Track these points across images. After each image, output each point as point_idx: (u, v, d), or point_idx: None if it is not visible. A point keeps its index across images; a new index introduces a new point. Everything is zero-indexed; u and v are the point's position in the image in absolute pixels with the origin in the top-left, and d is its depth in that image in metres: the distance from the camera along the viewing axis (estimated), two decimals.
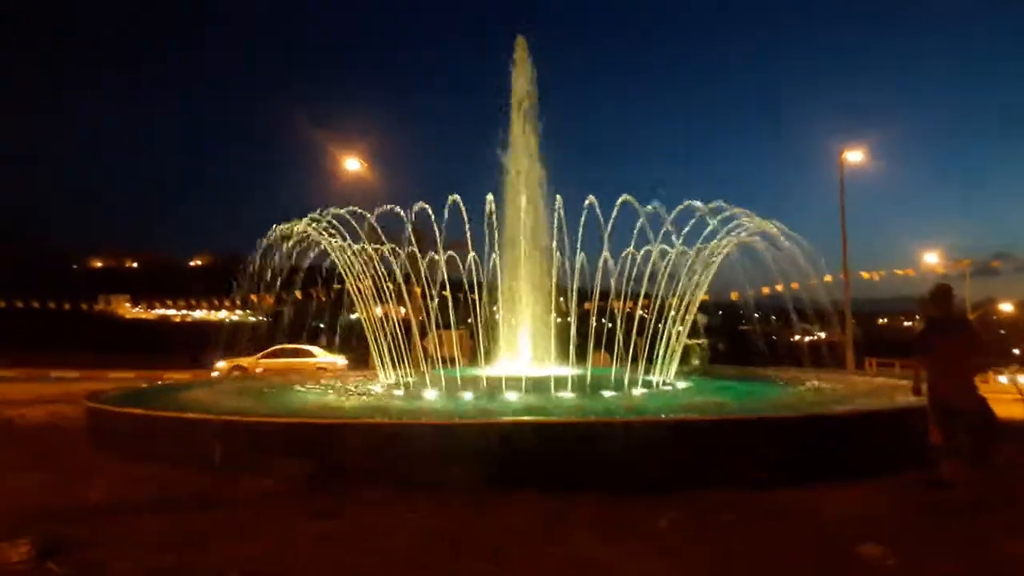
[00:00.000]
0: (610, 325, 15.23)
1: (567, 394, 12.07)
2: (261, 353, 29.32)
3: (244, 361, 28.54)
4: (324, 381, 17.29)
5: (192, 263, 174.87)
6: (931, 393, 7.42)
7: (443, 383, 13.02)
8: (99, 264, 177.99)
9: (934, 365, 7.44)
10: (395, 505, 6.76)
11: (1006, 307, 56.60)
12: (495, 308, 16.20)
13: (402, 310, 17.32)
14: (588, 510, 6.57)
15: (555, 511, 6.54)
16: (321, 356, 29.34)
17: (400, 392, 13.49)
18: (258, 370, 28.01)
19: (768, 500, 6.98)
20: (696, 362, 17.31)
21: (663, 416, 8.63)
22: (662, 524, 6.15)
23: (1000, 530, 6.00)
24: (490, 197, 14.59)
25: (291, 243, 15.26)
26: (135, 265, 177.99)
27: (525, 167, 16.62)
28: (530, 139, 16.91)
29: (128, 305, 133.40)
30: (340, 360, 29.39)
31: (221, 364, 28.37)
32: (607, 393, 12.48)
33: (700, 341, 17.49)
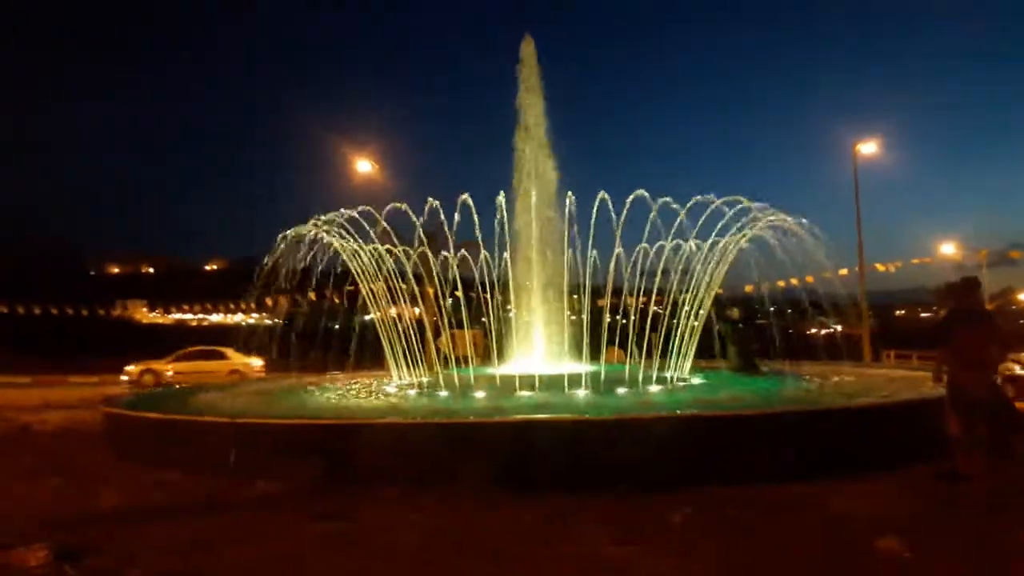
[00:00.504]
0: (624, 321, 15.17)
1: (580, 391, 12.03)
2: (173, 356, 28.88)
3: (155, 365, 28.15)
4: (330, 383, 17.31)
5: (208, 267, 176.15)
6: (951, 384, 7.36)
7: (456, 383, 13.01)
8: (116, 270, 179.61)
9: (955, 356, 7.38)
10: (405, 506, 6.76)
11: None
12: (508, 307, 16.19)
13: (416, 310, 17.33)
14: (600, 508, 6.55)
15: (567, 509, 6.51)
16: (235, 359, 28.85)
17: (413, 392, 13.48)
18: (168, 374, 27.65)
19: (782, 495, 6.92)
20: (734, 359, 16.46)
21: (677, 412, 8.56)
22: (675, 521, 6.12)
23: (1018, 522, 5.92)
24: (501, 196, 14.57)
25: (304, 245, 15.30)
26: (151, 270, 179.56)
27: (536, 164, 16.57)
28: (540, 136, 16.86)
29: (145, 310, 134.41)
30: (255, 362, 28.95)
31: (131, 368, 27.94)
32: (621, 390, 12.43)
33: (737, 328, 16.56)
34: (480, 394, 12.24)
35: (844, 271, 31.36)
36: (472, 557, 5.34)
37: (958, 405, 7.22)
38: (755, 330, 16.74)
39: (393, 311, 15.87)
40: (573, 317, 18.13)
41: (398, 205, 14.90)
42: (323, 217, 14.81)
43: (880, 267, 39.62)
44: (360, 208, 14.89)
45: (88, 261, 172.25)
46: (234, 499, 7.32)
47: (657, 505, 6.53)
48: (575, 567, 5.11)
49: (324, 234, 14.88)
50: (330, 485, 7.42)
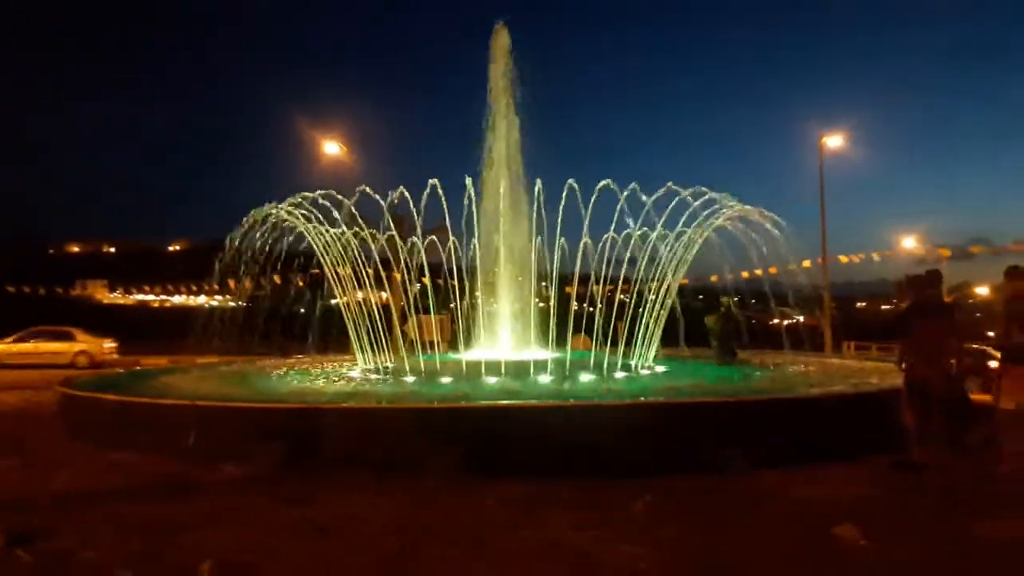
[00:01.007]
0: (591, 309, 15.23)
1: (546, 378, 12.06)
2: (14, 336, 27.59)
3: None
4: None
5: (171, 248, 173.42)
6: (907, 375, 7.48)
7: (422, 368, 12.97)
8: (76, 249, 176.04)
9: (913, 348, 7.50)
10: (370, 491, 6.73)
11: (982, 290, 57.21)
12: (476, 293, 16.15)
13: (383, 295, 17.21)
14: (565, 495, 6.57)
15: (532, 496, 6.53)
16: (83, 340, 28.01)
17: (378, 377, 13.42)
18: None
19: (744, 484, 7.01)
20: (717, 349, 16.41)
21: (641, 400, 8.62)
22: (638, 508, 6.15)
23: (972, 512, 6.06)
24: (469, 181, 14.51)
25: (268, 227, 15.10)
26: (112, 250, 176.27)
27: (505, 152, 16.51)
28: (510, 125, 16.78)
29: (105, 290, 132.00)
30: (107, 344, 28.52)
31: None
32: (586, 377, 12.49)
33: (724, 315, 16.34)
34: (446, 379, 12.22)
35: (807, 263, 31.81)
36: (437, 543, 5.34)
37: (914, 396, 7.35)
38: (735, 322, 16.60)
39: (359, 295, 15.74)
40: (541, 304, 18.16)
41: (365, 189, 14.74)
42: (289, 200, 14.61)
43: (843, 259, 40.22)
44: (325, 191, 14.71)
45: (46, 240, 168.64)
46: (195, 482, 7.22)
47: (620, 492, 6.57)
48: (536, 552, 5.13)
49: (288, 216, 14.68)
50: (295, 470, 7.36)
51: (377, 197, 14.87)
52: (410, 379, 12.73)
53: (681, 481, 6.95)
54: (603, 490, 6.71)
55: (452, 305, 16.00)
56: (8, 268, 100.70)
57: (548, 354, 13.55)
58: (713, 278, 19.52)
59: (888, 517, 5.99)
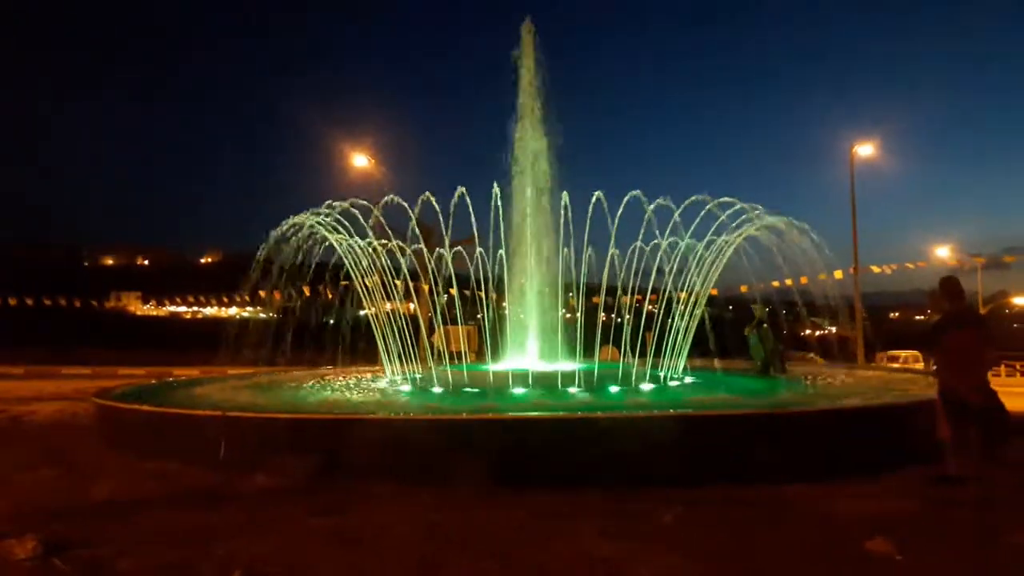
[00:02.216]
0: (619, 319, 15.18)
1: (574, 389, 12.04)
2: None
3: None
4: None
5: (203, 260, 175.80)
6: (941, 387, 7.37)
7: (450, 379, 13.01)
8: (110, 262, 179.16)
9: (946, 359, 7.39)
10: (401, 501, 6.75)
11: (1020, 300, 56.11)
12: (503, 303, 16.18)
13: (411, 305, 17.31)
14: (594, 506, 6.55)
15: (561, 507, 6.52)
16: None
17: (407, 388, 13.48)
18: None
19: (775, 495, 6.93)
20: (759, 362, 15.46)
21: (670, 411, 8.57)
22: (668, 519, 6.12)
23: (1009, 525, 5.94)
24: (496, 189, 14.56)
25: (298, 239, 15.26)
26: (146, 262, 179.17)
27: (532, 161, 16.55)
28: (537, 131, 16.82)
29: (139, 302, 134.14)
30: None
31: None
32: (614, 388, 12.45)
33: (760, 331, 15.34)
34: (474, 390, 12.24)
35: (839, 273, 31.39)
36: (467, 554, 5.34)
37: (948, 408, 7.24)
38: (777, 331, 15.76)
39: (388, 306, 15.85)
40: (568, 315, 18.12)
41: (393, 199, 14.87)
42: (317, 210, 14.76)
43: (875, 269, 39.68)
44: (353, 200, 14.84)
45: (82, 253, 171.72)
46: (229, 492, 7.29)
47: (650, 503, 6.54)
48: (567, 563, 5.12)
49: (319, 227, 14.83)
50: (326, 480, 7.41)
51: (406, 205, 15.00)
52: (438, 390, 12.77)
53: (711, 492, 6.90)
54: (632, 501, 6.67)
55: (479, 316, 16.04)
56: (45, 281, 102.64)
57: (576, 365, 13.52)
58: (743, 288, 19.34)
59: (923, 531, 5.89)
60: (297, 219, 14.74)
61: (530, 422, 7.88)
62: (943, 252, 44.61)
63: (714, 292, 17.08)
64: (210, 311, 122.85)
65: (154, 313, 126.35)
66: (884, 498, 6.93)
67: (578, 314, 15.99)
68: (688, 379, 14.47)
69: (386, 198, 15.24)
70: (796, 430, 8.03)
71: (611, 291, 16.25)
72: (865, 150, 32.03)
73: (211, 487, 7.48)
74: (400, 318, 15.31)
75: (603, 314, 15.02)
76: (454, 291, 17.06)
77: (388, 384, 14.44)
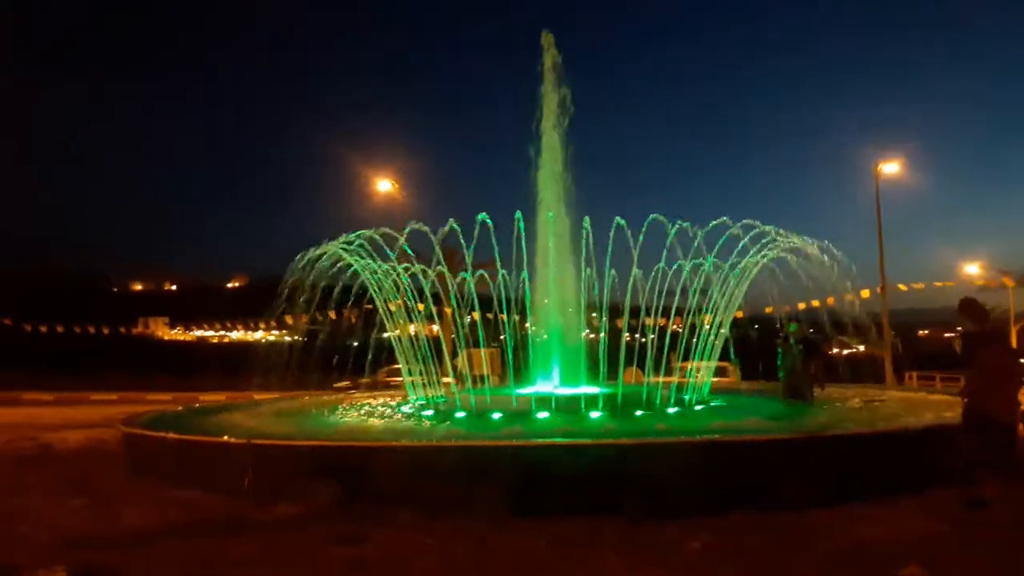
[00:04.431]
0: (643, 340, 15.10)
1: (597, 414, 11.96)
2: None
3: None
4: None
5: (229, 285, 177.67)
6: (972, 406, 7.25)
7: (473, 403, 12.98)
8: (138, 287, 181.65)
9: (978, 378, 7.28)
10: (422, 530, 6.73)
11: None
12: (526, 326, 16.17)
13: (434, 327, 17.36)
14: (619, 534, 6.49)
15: (583, 535, 6.47)
16: None
17: (429, 413, 13.46)
18: None
19: (802, 521, 6.83)
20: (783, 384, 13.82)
21: (695, 437, 8.48)
22: (694, 547, 6.05)
23: None
24: (519, 215, 14.62)
25: (324, 265, 15.41)
26: (174, 287, 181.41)
27: (553, 184, 16.58)
28: (558, 153, 16.86)
29: (166, 327, 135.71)
30: None
31: None
32: (638, 412, 12.34)
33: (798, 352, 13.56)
34: (497, 416, 12.21)
35: (866, 292, 31.05)
36: None
37: (975, 427, 7.13)
38: (815, 352, 14.08)
39: (412, 328, 15.91)
40: (591, 335, 18.05)
41: (417, 226, 15.01)
42: (343, 237, 14.92)
43: (903, 287, 39.14)
44: (379, 229, 15.00)
45: (110, 279, 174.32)
46: (251, 520, 7.32)
47: (674, 531, 6.48)
48: None
49: (345, 255, 14.97)
50: (347, 507, 7.40)
51: (427, 231, 15.12)
52: (461, 415, 12.75)
53: (736, 519, 6.81)
54: (658, 529, 6.61)
55: (502, 337, 16.05)
56: (74, 307, 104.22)
57: (599, 389, 13.44)
58: (768, 309, 19.21)
59: (955, 556, 5.77)
60: (324, 248, 14.90)
61: (553, 449, 7.83)
62: (972, 269, 43.93)
63: (739, 314, 16.93)
64: (237, 335, 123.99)
65: (181, 338, 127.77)
66: (913, 522, 6.80)
67: (602, 334, 15.94)
68: (713, 403, 14.32)
69: (410, 226, 15.38)
70: (821, 454, 7.91)
71: (635, 312, 16.18)
72: (890, 168, 31.77)
73: (235, 515, 7.52)
74: (423, 341, 15.36)
75: (627, 335, 14.94)
76: (476, 315, 17.10)
77: (411, 408, 14.44)
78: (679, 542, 6.17)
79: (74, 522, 7.54)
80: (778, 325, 14.52)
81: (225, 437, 9.32)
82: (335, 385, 28.66)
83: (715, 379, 17.68)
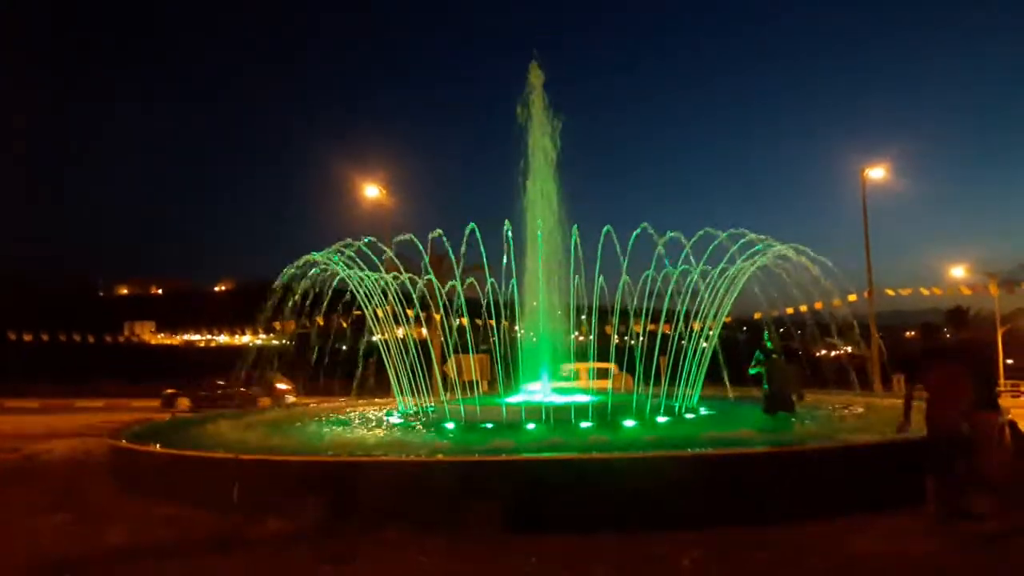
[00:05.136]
0: (631, 343, 15.12)
1: (588, 424, 11.93)
2: None
3: None
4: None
5: (216, 288, 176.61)
6: (926, 421, 7.33)
7: (463, 412, 12.93)
8: (124, 291, 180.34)
9: (929, 393, 7.36)
10: (412, 547, 6.65)
11: None
12: (516, 331, 16.17)
13: (422, 330, 17.32)
14: (611, 550, 6.46)
15: (576, 552, 6.43)
16: None
17: (419, 423, 13.39)
18: None
19: (795, 535, 6.81)
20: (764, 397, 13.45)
21: (687, 451, 8.46)
22: (686, 564, 6.02)
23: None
24: (507, 224, 14.62)
25: (313, 275, 15.35)
26: (160, 292, 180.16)
27: (542, 192, 16.61)
28: (547, 163, 16.91)
29: (152, 331, 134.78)
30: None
31: None
32: (628, 422, 12.31)
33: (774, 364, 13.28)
34: (487, 426, 12.16)
35: (853, 296, 31.24)
36: None
37: (933, 442, 7.20)
38: (796, 363, 13.95)
39: (400, 331, 15.86)
40: (581, 338, 18.06)
41: (405, 237, 15.06)
42: (333, 247, 14.89)
43: (890, 293, 39.45)
44: (367, 238, 14.99)
45: (96, 284, 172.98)
46: (239, 538, 7.23)
47: (667, 545, 6.46)
48: None
49: (333, 265, 14.92)
50: (336, 524, 7.33)
51: (416, 241, 15.12)
52: (450, 425, 12.69)
53: (729, 534, 6.79)
54: (649, 544, 6.57)
55: (492, 340, 16.02)
56: (60, 312, 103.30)
57: (588, 397, 13.43)
58: (757, 315, 19.29)
59: (948, 570, 5.77)
60: (312, 257, 14.84)
61: (544, 464, 7.78)
62: (958, 272, 44.28)
63: (728, 320, 16.98)
64: (223, 339, 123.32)
65: (168, 342, 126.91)
66: (905, 536, 6.79)
67: (590, 339, 15.95)
68: (703, 411, 14.32)
69: (399, 237, 15.40)
70: (813, 466, 7.90)
71: (623, 318, 16.23)
72: (876, 173, 32.00)
73: (222, 532, 7.42)
74: (412, 346, 15.30)
75: (616, 338, 14.95)
76: (465, 320, 17.07)
77: (400, 418, 14.37)
78: (671, 558, 6.14)
79: (59, 540, 7.41)
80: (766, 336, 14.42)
81: (213, 451, 9.22)
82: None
83: (596, 383, 17.96)
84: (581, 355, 16.11)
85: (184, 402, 29.09)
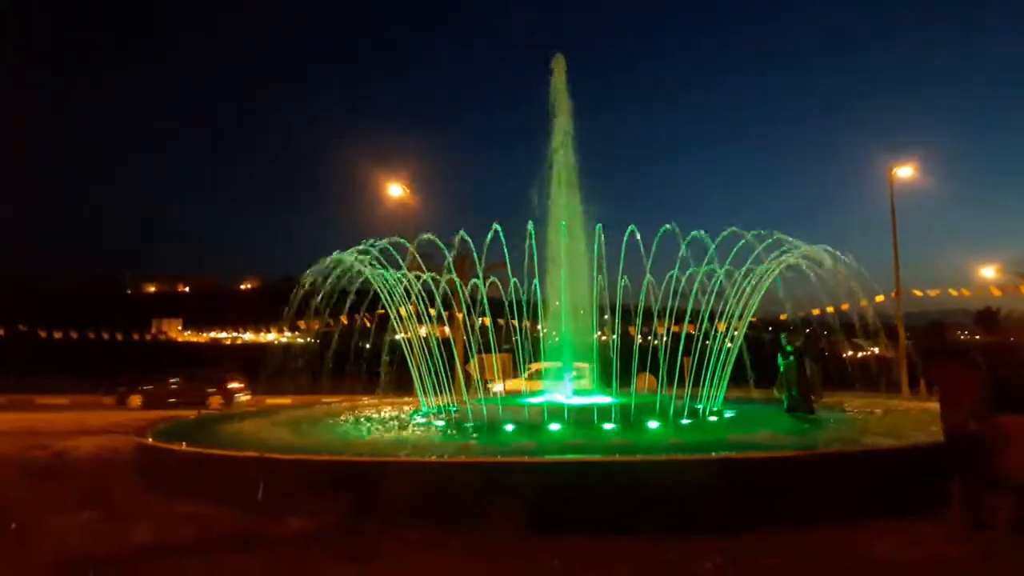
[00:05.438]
0: (655, 342, 15.02)
1: (610, 425, 11.86)
2: None
3: None
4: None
5: (242, 287, 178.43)
6: (941, 420, 7.25)
7: (485, 413, 12.92)
8: (152, 289, 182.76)
9: (944, 395, 7.26)
10: (433, 548, 6.68)
11: None
12: (539, 330, 16.15)
13: (445, 329, 17.35)
14: (632, 553, 6.42)
15: (597, 554, 6.40)
16: None
17: (441, 423, 13.40)
18: None
19: (817, 540, 6.74)
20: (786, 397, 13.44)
21: (710, 454, 8.38)
22: (708, 568, 5.97)
23: None
24: (531, 225, 14.58)
25: (337, 274, 15.44)
26: (187, 290, 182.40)
27: (566, 192, 16.57)
28: (571, 162, 16.86)
29: (180, 328, 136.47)
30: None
31: None
32: (652, 424, 12.22)
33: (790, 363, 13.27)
34: (509, 427, 12.14)
35: (880, 297, 30.84)
36: None
37: (951, 443, 7.13)
38: (817, 361, 13.85)
39: (423, 330, 15.91)
40: (604, 338, 17.97)
41: (428, 237, 15.09)
42: (356, 247, 14.97)
43: (917, 293, 38.87)
44: (391, 239, 15.05)
45: (124, 282, 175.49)
46: (262, 536, 7.28)
47: (687, 549, 6.42)
48: None
49: (358, 264, 15.00)
50: (357, 523, 7.36)
51: (439, 242, 15.16)
52: (472, 425, 12.68)
53: (750, 538, 6.73)
54: (670, 548, 6.53)
55: (513, 342, 16.02)
56: (87, 311, 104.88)
57: (612, 398, 13.35)
58: (782, 316, 19.11)
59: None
60: (337, 256, 14.93)
61: (566, 465, 7.75)
62: (988, 272, 43.53)
63: (754, 319, 16.81)
64: (249, 337, 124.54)
65: (194, 339, 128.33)
66: (928, 542, 6.70)
67: (614, 341, 15.87)
68: (727, 413, 14.19)
69: (422, 236, 15.45)
70: (834, 472, 7.80)
71: (647, 318, 16.12)
72: (904, 171, 31.53)
73: (245, 530, 7.48)
74: (435, 345, 15.33)
75: (639, 337, 14.85)
76: (487, 320, 17.08)
77: (423, 418, 14.39)
78: (692, 563, 6.09)
79: (85, 538, 7.51)
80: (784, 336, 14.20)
81: (236, 450, 9.29)
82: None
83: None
84: (555, 353, 16.01)
85: (135, 399, 29.44)
